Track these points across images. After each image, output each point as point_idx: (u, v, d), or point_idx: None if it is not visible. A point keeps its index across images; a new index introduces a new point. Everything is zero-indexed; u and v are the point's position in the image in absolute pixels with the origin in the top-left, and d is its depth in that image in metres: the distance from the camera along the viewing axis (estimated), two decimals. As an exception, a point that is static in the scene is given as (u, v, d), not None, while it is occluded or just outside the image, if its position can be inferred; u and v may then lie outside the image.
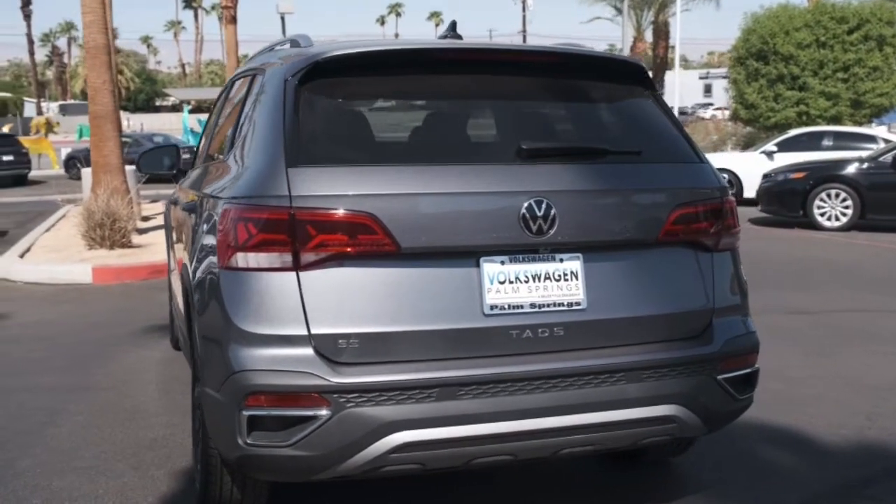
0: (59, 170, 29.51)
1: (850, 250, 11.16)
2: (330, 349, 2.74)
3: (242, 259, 2.79)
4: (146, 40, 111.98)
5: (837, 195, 12.85)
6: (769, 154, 16.15)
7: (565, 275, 2.96)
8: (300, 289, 2.75)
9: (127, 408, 4.93)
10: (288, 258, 2.76)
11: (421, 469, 2.87)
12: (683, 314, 3.11)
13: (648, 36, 36.05)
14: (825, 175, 13.05)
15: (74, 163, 26.70)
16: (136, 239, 11.04)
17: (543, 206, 2.87)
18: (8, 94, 68.54)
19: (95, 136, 11.84)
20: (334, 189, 2.77)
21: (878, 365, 5.70)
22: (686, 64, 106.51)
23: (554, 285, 2.94)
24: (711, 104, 59.44)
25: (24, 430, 4.57)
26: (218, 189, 3.20)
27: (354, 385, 2.71)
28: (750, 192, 15.64)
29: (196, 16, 76.77)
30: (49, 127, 39.91)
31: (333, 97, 3.06)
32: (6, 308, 8.05)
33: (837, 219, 12.86)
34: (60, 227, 13.13)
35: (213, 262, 2.93)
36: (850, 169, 12.96)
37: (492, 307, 2.86)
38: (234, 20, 31.61)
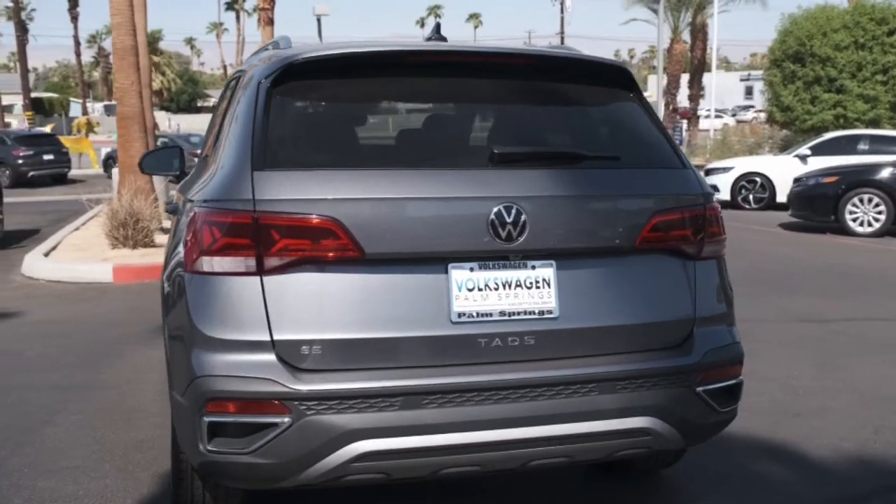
0: (98, 169, 30.00)
1: (882, 257, 10.89)
2: (292, 355, 2.70)
3: (207, 263, 2.77)
4: (190, 42, 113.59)
5: (870, 200, 12.57)
6: (803, 158, 15.84)
7: (537, 282, 2.89)
8: (264, 294, 2.72)
9: (125, 408, 4.96)
10: (252, 263, 2.73)
11: (386, 479, 2.82)
12: (662, 324, 3.02)
13: (687, 37, 35.52)
14: (858, 179, 12.77)
15: (112, 162, 27.12)
16: (159, 238, 11.12)
17: (513, 211, 2.81)
18: (54, 95, 69.92)
19: (122, 136, 11.99)
20: (299, 193, 2.73)
21: (893, 377, 5.53)
22: (728, 66, 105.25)
23: (525, 293, 2.87)
24: (752, 106, 58.56)
25: (22, 428, 4.62)
26: (193, 192, 3.18)
27: (316, 392, 2.67)
28: (782, 196, 15.39)
29: (238, 17, 77.34)
30: (90, 127, 40.62)
31: (305, 100, 3.02)
32: (25, 305, 8.17)
33: (870, 224, 12.57)
34: (89, 226, 13.31)
35: (182, 265, 2.91)
36: (884, 173, 12.67)
37: (459, 315, 2.80)
38: (271, 22, 31.85)
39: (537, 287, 2.89)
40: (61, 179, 26.51)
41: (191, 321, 2.77)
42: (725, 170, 17.09)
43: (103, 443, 4.36)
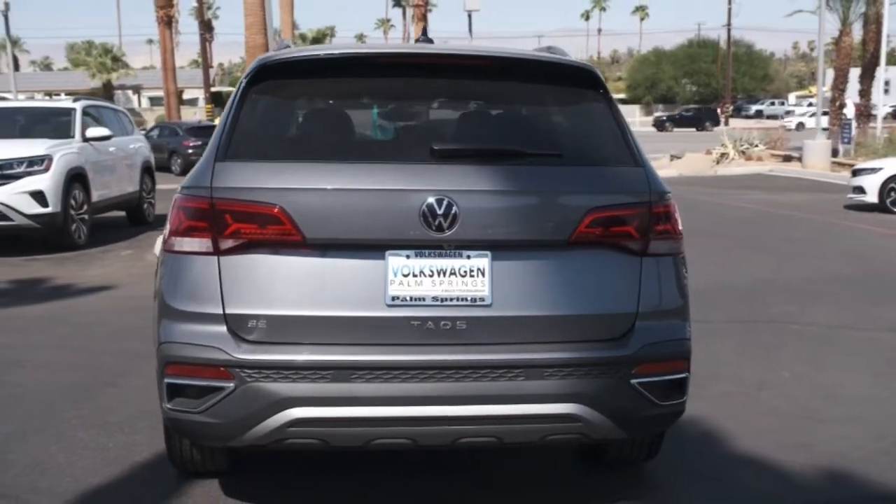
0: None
1: None
2: (241, 328, 3.02)
3: (177, 243, 3.14)
4: (360, 38, 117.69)
5: None
6: (959, 159, 14.68)
7: (471, 271, 3.06)
8: (219, 272, 3.05)
9: (184, 375, 5.45)
10: (209, 243, 3.06)
11: (324, 445, 3.09)
12: (598, 316, 3.12)
13: (858, 29, 33.41)
14: None
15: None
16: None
17: (444, 204, 2.99)
18: (233, 89, 74.59)
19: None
20: (249, 182, 3.04)
21: (954, 391, 5.24)
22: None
23: (459, 281, 3.05)
24: (939, 103, 54.21)
25: (88, 386, 5.21)
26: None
27: (255, 362, 2.97)
28: (933, 199, 14.35)
29: (404, 14, 79.93)
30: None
31: (272, 97, 3.32)
32: (140, 281, 8.87)
33: None
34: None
35: (163, 244, 3.30)
36: None
37: (393, 298, 3.02)
38: (424, 17, 32.60)
39: (471, 276, 3.06)
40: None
41: (161, 293, 3.16)
42: (873, 171, 16.03)
43: (148, 405, 4.83)
